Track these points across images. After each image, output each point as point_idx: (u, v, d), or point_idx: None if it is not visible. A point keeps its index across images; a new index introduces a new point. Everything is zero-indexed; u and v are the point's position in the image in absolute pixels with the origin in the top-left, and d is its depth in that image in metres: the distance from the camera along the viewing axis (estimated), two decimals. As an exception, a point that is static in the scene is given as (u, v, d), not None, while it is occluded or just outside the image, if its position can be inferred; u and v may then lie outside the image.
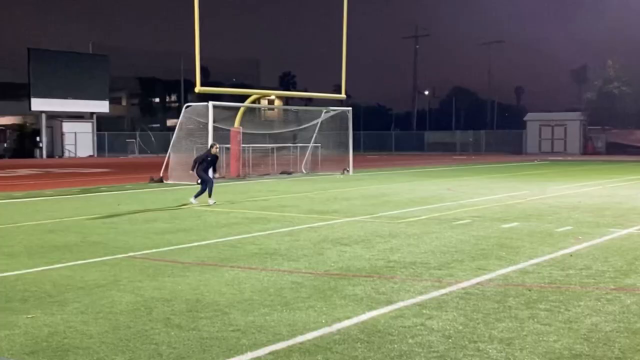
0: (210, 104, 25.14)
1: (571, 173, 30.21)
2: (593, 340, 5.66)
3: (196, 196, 16.47)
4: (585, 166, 36.81)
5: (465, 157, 52.71)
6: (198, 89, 24.95)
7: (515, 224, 12.73)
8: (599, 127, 56.91)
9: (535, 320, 6.26)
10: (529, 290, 7.42)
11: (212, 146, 17.00)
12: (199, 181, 16.75)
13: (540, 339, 5.71)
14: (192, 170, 16.70)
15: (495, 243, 10.58)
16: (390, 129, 75.30)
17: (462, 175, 28.50)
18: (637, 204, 16.15)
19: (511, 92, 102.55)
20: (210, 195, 16.39)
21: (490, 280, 7.98)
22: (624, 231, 11.76)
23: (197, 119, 26.20)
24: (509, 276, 8.18)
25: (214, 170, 16.88)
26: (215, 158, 16.79)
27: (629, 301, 6.94)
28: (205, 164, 16.47)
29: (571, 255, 9.50)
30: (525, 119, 60.30)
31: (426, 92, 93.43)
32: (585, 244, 10.44)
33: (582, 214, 14.32)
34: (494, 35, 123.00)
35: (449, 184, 23.02)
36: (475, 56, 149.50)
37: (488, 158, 49.74)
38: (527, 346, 5.51)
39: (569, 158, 48.62)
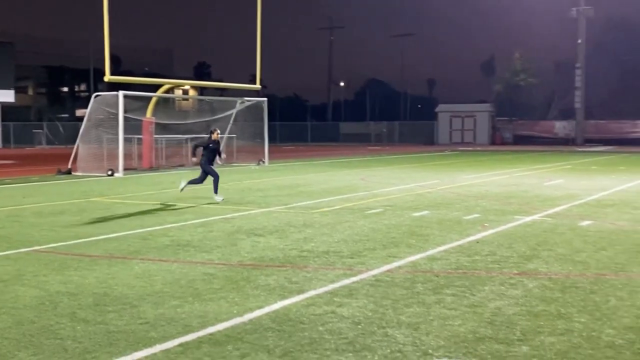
0: (121, 93, 24.54)
1: (480, 163, 31.13)
2: (496, 323, 5.87)
3: (193, 184, 15.32)
4: (494, 156, 38.00)
5: (379, 147, 53.47)
6: (108, 78, 24.32)
7: (425, 212, 13.02)
8: (506, 118, 58.82)
9: (442, 305, 6.44)
10: (437, 276, 7.61)
11: (212, 132, 15.23)
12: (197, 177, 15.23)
13: (446, 323, 5.87)
14: (192, 157, 15.54)
15: (405, 231, 10.80)
16: (306, 120, 75.60)
17: (375, 166, 28.93)
18: (541, 192, 16.80)
19: (424, 84, 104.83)
20: (216, 191, 14.88)
21: (400, 267, 8.14)
22: (528, 218, 12.21)
23: (106, 109, 25.54)
24: (418, 263, 8.37)
25: (219, 156, 15.32)
26: (217, 145, 15.18)
27: (531, 285, 7.22)
28: (209, 152, 14.88)
29: (477, 242, 9.80)
30: (436, 110, 61.68)
31: (341, 84, 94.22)
32: (491, 231, 10.78)
33: (489, 202, 14.79)
34: (407, 28, 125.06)
35: (363, 174, 23.33)
36: (389, 48, 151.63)
37: (401, 148, 50.65)
38: (433, 330, 5.66)
39: (478, 148, 50.09)
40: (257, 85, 31.28)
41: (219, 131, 15.76)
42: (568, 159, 34.19)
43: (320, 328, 5.72)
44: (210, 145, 14.99)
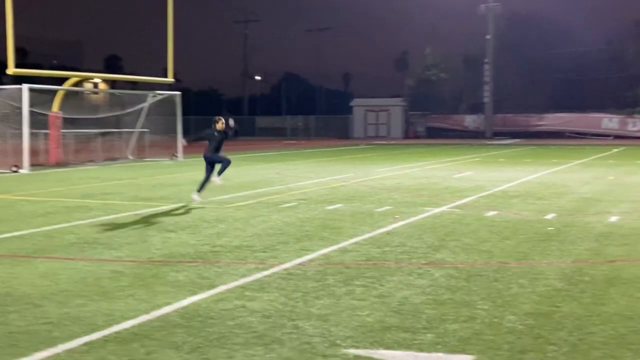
0: (25, 86, 23.64)
1: (393, 156, 31.66)
2: (403, 312, 5.99)
3: (219, 173, 14.05)
4: (407, 149, 38.71)
5: (295, 142, 53.58)
6: (12, 70, 23.36)
7: (338, 205, 13.15)
8: (419, 112, 60.01)
9: (351, 296, 6.53)
10: (347, 268, 7.71)
11: (216, 121, 14.09)
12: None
13: (355, 313, 5.96)
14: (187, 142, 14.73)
15: (319, 224, 10.87)
16: (222, 114, 74.87)
17: (291, 160, 28.98)
18: (450, 184, 17.24)
19: (340, 78, 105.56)
20: (220, 174, 14.03)
21: (312, 260, 8.20)
22: (437, 210, 12.52)
23: (11, 103, 24.53)
24: (329, 255, 8.45)
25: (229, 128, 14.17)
26: (225, 134, 14.06)
27: (437, 274, 7.41)
28: (215, 142, 13.91)
29: (388, 234, 9.97)
30: (351, 104, 62.30)
31: (257, 78, 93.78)
32: (402, 223, 10.99)
33: (401, 194, 15.07)
34: (323, 22, 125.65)
35: (278, 169, 23.34)
36: (305, 43, 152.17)
37: (317, 143, 50.92)
38: (342, 321, 5.73)
39: (393, 142, 50.93)
40: (170, 79, 30.75)
41: (223, 120, 14.24)
42: (478, 151, 35.20)
43: (230, 323, 5.70)
44: (215, 133, 13.93)
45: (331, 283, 7.03)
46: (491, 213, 11.99)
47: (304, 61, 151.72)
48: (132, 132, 29.84)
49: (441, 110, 60.28)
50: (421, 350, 5.08)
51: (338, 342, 5.24)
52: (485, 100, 55.89)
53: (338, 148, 41.22)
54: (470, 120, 59.22)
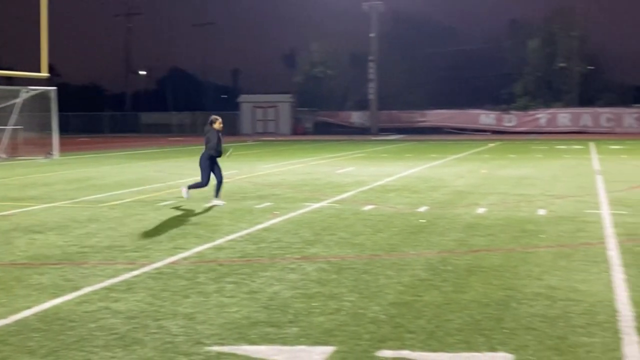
0: None
1: (280, 152, 31.77)
2: (272, 307, 6.02)
3: (220, 187, 13.05)
4: (294, 146, 38.93)
5: (181, 138, 52.70)
6: None
7: (219, 202, 13.03)
8: (307, 109, 60.48)
9: (221, 293, 6.50)
10: (220, 266, 7.67)
11: (213, 121, 13.21)
12: None
13: (223, 310, 5.94)
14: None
15: (196, 222, 10.76)
16: (104, 110, 72.64)
17: (175, 157, 28.52)
18: (332, 180, 17.48)
19: (228, 74, 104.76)
20: (190, 188, 13.14)
21: (184, 258, 8.10)
22: (317, 205, 12.66)
23: None
24: (203, 253, 8.38)
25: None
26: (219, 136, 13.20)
27: (310, 268, 7.49)
28: (216, 144, 13.06)
29: (265, 230, 10.00)
30: (238, 100, 61.91)
31: (142, 73, 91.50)
32: (280, 219, 11.05)
33: (282, 190, 15.14)
34: (209, 16, 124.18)
35: (160, 166, 22.90)
36: (192, 37, 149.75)
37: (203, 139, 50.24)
38: (209, 319, 5.69)
39: (280, 138, 51.09)
40: (44, 74, 29.46)
41: (220, 120, 13.32)
42: (362, 147, 35.88)
43: (92, 325, 5.54)
44: (214, 134, 13.08)
45: (202, 281, 6.97)
46: (368, 207, 12.25)
47: (191, 56, 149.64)
48: (3, 129, 28.41)
49: (329, 107, 61.02)
50: (285, 344, 5.13)
51: (202, 340, 5.21)
52: (371, 97, 57.03)
53: (225, 144, 40.81)
54: (356, 117, 60.30)
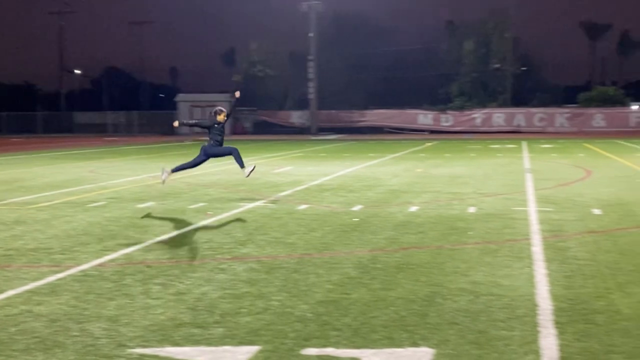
0: None
1: (217, 152, 31.48)
2: (198, 308, 5.99)
3: (241, 166, 13.73)
4: (233, 145, 38.61)
5: (117, 138, 51.82)
6: None
7: (150, 203, 12.89)
8: (246, 108, 60.21)
9: (147, 295, 6.42)
10: (148, 267, 7.57)
11: (218, 112, 13.46)
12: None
13: (148, 312, 5.87)
14: (180, 124, 14.08)
15: (126, 223, 10.59)
16: (37, 110, 70.80)
17: (109, 157, 28.01)
18: (269, 179, 17.49)
19: (166, 73, 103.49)
20: (243, 165, 13.77)
21: (112, 260, 7.97)
22: (252, 204, 12.63)
23: None
24: (131, 255, 8.26)
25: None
26: (223, 128, 13.62)
27: (240, 269, 7.47)
28: (215, 134, 13.42)
29: (197, 231, 9.92)
30: (175, 99, 61.18)
31: (77, 71, 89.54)
32: (214, 219, 10.97)
33: (217, 190, 15.05)
34: (147, 15, 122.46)
35: (93, 166, 22.46)
36: (128, 36, 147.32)
37: (140, 139, 49.61)
38: (133, 321, 5.62)
39: (219, 138, 50.63)
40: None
41: (226, 111, 13.58)
42: (301, 147, 35.93)
43: (12, 329, 5.41)
44: (217, 125, 13.38)
45: (128, 283, 6.88)
46: (303, 206, 12.28)
47: (128, 55, 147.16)
48: None
49: (268, 106, 60.89)
50: (210, 344, 5.10)
51: (125, 342, 5.14)
52: (310, 96, 57.14)
53: (161, 145, 40.42)
54: (296, 116, 60.37)
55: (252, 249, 8.56)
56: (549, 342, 5.04)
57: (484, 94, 59.91)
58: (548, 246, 8.51)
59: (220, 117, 13.39)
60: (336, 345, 5.04)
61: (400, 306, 5.98)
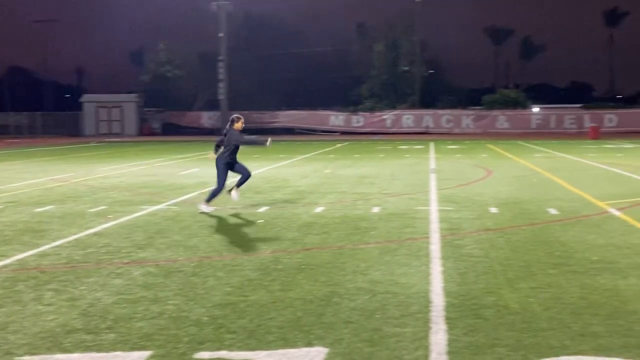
0: None
1: (124, 154, 30.84)
2: (90, 314, 5.84)
3: (239, 185, 12.26)
4: (139, 147, 37.95)
5: (19, 140, 49.90)
6: None
7: (49, 207, 12.47)
8: (154, 109, 59.16)
9: (39, 301, 6.22)
10: (42, 273, 7.33)
11: (236, 120, 12.02)
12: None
13: (39, 319, 5.69)
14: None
15: (22, 228, 10.22)
16: None
17: (8, 160, 26.93)
18: (175, 181, 17.22)
19: (72, 73, 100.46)
20: (238, 186, 12.24)
21: (4, 266, 7.68)
22: (155, 207, 12.42)
23: None
24: (25, 261, 7.97)
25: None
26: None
27: (136, 273, 7.33)
28: (234, 147, 11.97)
29: (96, 235, 9.67)
30: (81, 100, 59.39)
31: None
32: (114, 222, 10.73)
33: (120, 193, 14.71)
34: (51, 13, 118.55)
35: (-9, 169, 21.55)
36: (33, 35, 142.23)
37: (44, 141, 47.91)
38: (23, 328, 5.44)
39: (126, 139, 49.62)
40: None
41: (242, 119, 12.26)
42: (210, 148, 35.50)
43: None
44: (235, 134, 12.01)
45: (20, 289, 6.64)
46: (209, 209, 12.14)
47: (32, 54, 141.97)
48: None
49: (178, 107, 59.99)
50: (100, 350, 4.99)
51: (13, 350, 4.97)
52: (221, 97, 56.66)
53: (65, 146, 39.17)
54: (206, 118, 59.73)
55: (151, 253, 8.42)
56: (439, 337, 5.18)
57: (394, 95, 61.06)
58: (445, 244, 8.75)
59: (238, 125, 12.03)
60: (230, 347, 5.02)
61: (297, 307, 6.01)
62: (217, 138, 12.47)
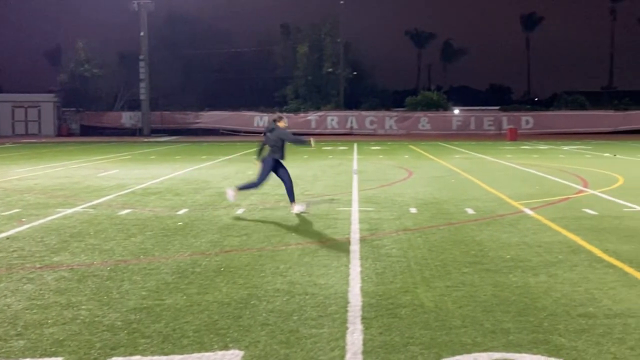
0: None
1: (40, 155, 29.88)
2: (-2, 321, 5.63)
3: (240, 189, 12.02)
4: (57, 148, 36.87)
5: None
6: None
7: (-43, 210, 11.97)
8: (73, 109, 57.62)
9: (-58, 310, 5.95)
10: (-53, 280, 7.02)
11: (278, 119, 11.82)
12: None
13: (-59, 329, 5.44)
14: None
15: None
16: None
17: None
18: (92, 183, 16.79)
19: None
20: (240, 188, 12.07)
21: None
22: (71, 210, 12.07)
23: None
24: None
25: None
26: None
27: (49, 278, 7.11)
28: (282, 145, 11.71)
29: (8, 239, 9.33)
30: (-5, 99, 57.40)
31: None
32: (27, 226, 10.38)
33: (35, 195, 14.24)
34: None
35: None
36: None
37: (-45, 141, 45.96)
38: None
39: (44, 140, 48.13)
40: None
41: (285, 117, 12.29)
42: (131, 149, 34.91)
43: None
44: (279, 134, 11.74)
45: None
46: (125, 211, 11.92)
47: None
48: None
49: (97, 107, 58.60)
50: (9, 358, 4.82)
51: None
52: (142, 97, 55.66)
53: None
54: (127, 118, 58.56)
55: (65, 257, 8.18)
56: (355, 337, 5.23)
57: (318, 96, 61.37)
58: (365, 244, 8.84)
59: (282, 124, 11.85)
60: (144, 352, 4.93)
61: (214, 310, 5.96)
62: (260, 141, 12.20)
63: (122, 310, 5.96)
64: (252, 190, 12.11)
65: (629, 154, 28.24)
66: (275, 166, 11.72)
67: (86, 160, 26.12)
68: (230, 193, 12.19)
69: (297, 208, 11.74)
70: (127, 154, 30.69)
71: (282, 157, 11.74)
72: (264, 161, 11.71)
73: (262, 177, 11.69)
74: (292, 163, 23.81)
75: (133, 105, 58.96)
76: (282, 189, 15.29)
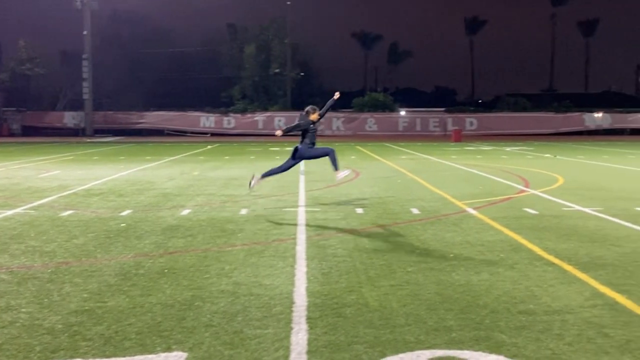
0: None
1: (-21, 156, 29.06)
2: None
3: (336, 167, 12.98)
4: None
5: None
6: None
7: None
8: (14, 109, 56.22)
9: None
10: None
11: (311, 112, 12.53)
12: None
13: None
14: (282, 132, 12.87)
15: None
16: None
17: None
18: (33, 184, 16.41)
19: None
20: (337, 168, 12.99)
21: None
22: (10, 212, 11.78)
23: None
24: None
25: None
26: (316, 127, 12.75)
27: (-13, 281, 6.92)
28: (313, 137, 12.64)
29: (-57, 241, 9.05)
30: None
31: None
32: (-36, 228, 10.07)
33: (-28, 197, 13.85)
34: None
35: None
36: None
37: None
38: None
39: (-17, 140, 46.82)
40: None
41: (318, 111, 12.68)
42: (74, 150, 34.26)
43: None
44: (312, 126, 12.54)
45: None
46: (67, 213, 11.68)
47: None
48: None
49: (39, 107, 57.32)
50: (-59, 366, 4.67)
51: None
52: (85, 97, 54.67)
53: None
54: (69, 118, 57.45)
55: (4, 259, 7.97)
56: (299, 337, 5.23)
57: (265, 97, 61.27)
58: (311, 245, 8.85)
59: (314, 116, 12.57)
60: (85, 355, 4.84)
61: (157, 312, 5.89)
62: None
63: (63, 312, 5.84)
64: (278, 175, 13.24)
65: (569, 155, 29.02)
66: (311, 148, 12.65)
67: (27, 160, 25.51)
68: (255, 181, 12.92)
69: (254, 181, 12.89)
70: (69, 154, 30.08)
71: (312, 144, 12.65)
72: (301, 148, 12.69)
73: (287, 165, 12.95)
74: (239, 164, 23.74)
75: (76, 105, 57.84)
76: (230, 190, 15.26)
